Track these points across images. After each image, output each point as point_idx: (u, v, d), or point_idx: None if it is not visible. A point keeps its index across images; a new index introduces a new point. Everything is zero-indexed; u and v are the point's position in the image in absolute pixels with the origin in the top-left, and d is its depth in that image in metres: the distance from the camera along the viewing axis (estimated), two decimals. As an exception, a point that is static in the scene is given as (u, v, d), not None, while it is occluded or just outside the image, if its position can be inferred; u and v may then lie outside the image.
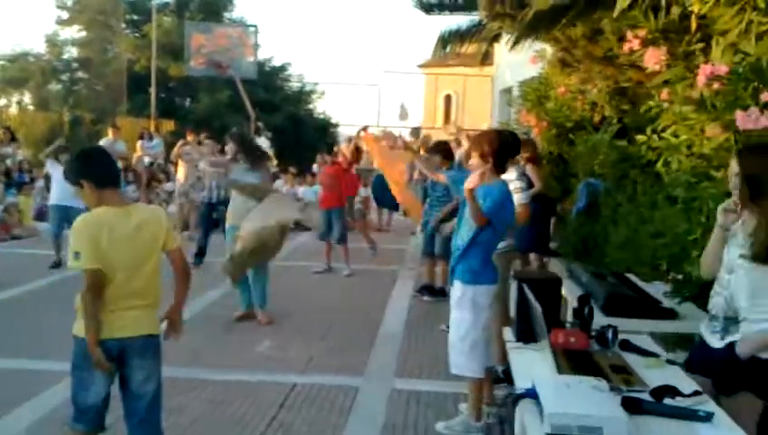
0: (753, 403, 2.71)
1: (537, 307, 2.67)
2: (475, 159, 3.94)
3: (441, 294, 7.23)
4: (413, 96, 31.12)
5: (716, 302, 2.82)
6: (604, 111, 9.33)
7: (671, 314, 3.58)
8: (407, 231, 12.46)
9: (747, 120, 2.93)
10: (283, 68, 27.72)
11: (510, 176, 4.92)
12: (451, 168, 7.11)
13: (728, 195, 3.53)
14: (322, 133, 25.86)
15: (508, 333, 3.29)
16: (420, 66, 32.87)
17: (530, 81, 20.04)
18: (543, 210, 7.84)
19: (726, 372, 2.70)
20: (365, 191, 11.94)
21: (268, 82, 24.84)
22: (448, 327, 5.99)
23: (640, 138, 4.64)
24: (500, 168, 3.88)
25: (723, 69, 3.07)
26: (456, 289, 3.95)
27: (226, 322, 6.28)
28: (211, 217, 9.00)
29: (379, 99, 26.44)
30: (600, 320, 3.25)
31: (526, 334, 3.07)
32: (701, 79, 3.14)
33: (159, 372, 3.05)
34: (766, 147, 2.62)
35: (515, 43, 6.03)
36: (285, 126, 24.62)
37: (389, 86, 46.21)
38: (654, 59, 3.61)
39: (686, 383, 2.56)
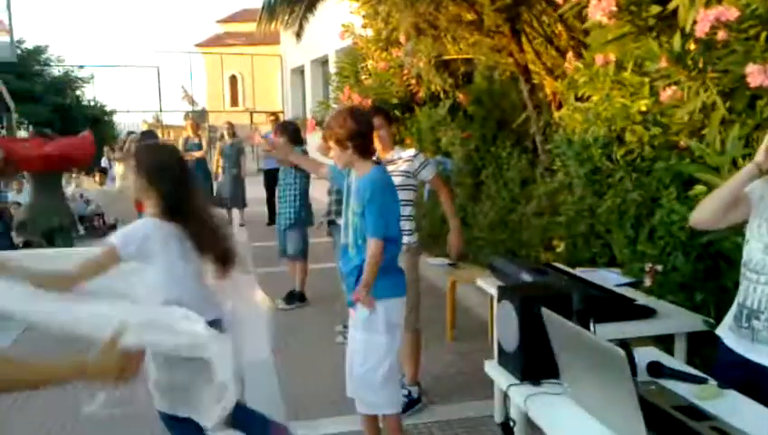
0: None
1: (588, 335, 1.90)
2: (335, 150, 3.13)
3: (300, 299, 6.26)
4: (196, 78, 28.94)
5: (759, 292, 2.23)
6: (431, 86, 8.93)
7: (648, 313, 3.02)
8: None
9: (760, 75, 2.41)
10: (39, 50, 24.06)
11: (408, 152, 4.12)
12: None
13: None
14: (96, 123, 22.93)
15: (495, 370, 2.49)
16: (199, 45, 30.78)
17: (321, 58, 19.47)
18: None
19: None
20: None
21: (22, 67, 21.38)
22: (346, 338, 5.12)
23: (565, 108, 4.09)
24: (363, 152, 3.10)
25: (732, 14, 2.53)
26: (363, 307, 3.10)
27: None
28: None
29: (158, 81, 23.89)
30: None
31: (537, 371, 2.31)
32: (702, 27, 2.59)
33: None
34: None
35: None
36: (50, 118, 21.42)
37: (169, 68, 42.83)
38: (601, 10, 3.02)
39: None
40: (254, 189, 11.34)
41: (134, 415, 4.06)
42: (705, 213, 2.32)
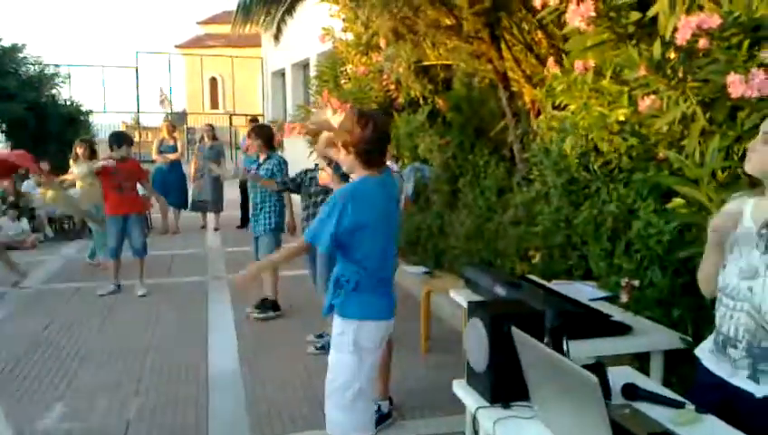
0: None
1: (558, 358, 1.79)
2: (341, 152, 3.00)
3: (274, 308, 6.09)
4: (176, 79, 28.65)
5: (735, 320, 2.15)
6: (410, 91, 8.84)
7: (624, 330, 2.93)
8: (200, 231, 11.02)
9: (741, 85, 2.32)
10: (15, 48, 23.57)
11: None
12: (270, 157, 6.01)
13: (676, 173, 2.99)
14: (71, 123, 22.56)
15: (464, 390, 2.38)
16: (179, 47, 30.48)
17: (303, 62, 19.37)
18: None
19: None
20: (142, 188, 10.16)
21: (-3, 65, 20.90)
22: (318, 349, 4.98)
23: (542, 117, 3.99)
24: (367, 159, 2.93)
25: (715, 21, 2.44)
26: (335, 325, 2.98)
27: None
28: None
29: (137, 83, 23.51)
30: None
31: (507, 393, 2.19)
32: (683, 34, 2.49)
33: None
34: None
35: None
36: (24, 116, 20.99)
37: (148, 69, 42.19)
38: (579, 15, 2.92)
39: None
40: (228, 192, 11.26)
41: (92, 429, 3.92)
42: (706, 286, 2.28)
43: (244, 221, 10.63)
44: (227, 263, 8.53)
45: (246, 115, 23.55)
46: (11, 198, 9.83)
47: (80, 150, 8.01)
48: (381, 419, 3.83)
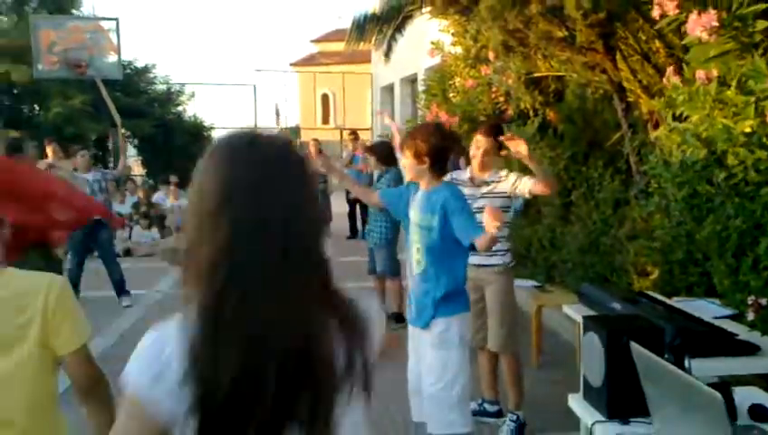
0: None
1: (680, 374, 1.76)
2: (408, 159, 3.17)
3: (397, 320, 5.99)
4: (290, 96, 29.97)
5: None
6: (520, 103, 8.77)
7: (752, 350, 2.80)
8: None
9: None
10: (146, 69, 25.36)
11: (500, 173, 3.95)
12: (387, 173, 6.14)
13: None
14: (195, 138, 24.00)
15: (580, 404, 2.37)
16: (293, 64, 31.68)
17: (411, 76, 19.58)
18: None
19: None
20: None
21: (129, 84, 22.62)
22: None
23: (661, 129, 3.89)
24: (439, 168, 3.18)
25: None
26: (438, 324, 3.06)
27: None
28: (86, 242, 7.45)
29: (254, 99, 24.73)
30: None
31: (625, 408, 2.17)
32: (817, 42, 2.39)
33: None
34: None
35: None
36: (153, 132, 22.53)
37: (265, 85, 44.16)
38: (701, 26, 2.85)
39: None
40: (336, 204, 11.64)
41: None
42: None
43: (353, 231, 10.91)
44: (339, 273, 8.76)
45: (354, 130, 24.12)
46: (143, 208, 10.57)
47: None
48: (521, 427, 3.89)
